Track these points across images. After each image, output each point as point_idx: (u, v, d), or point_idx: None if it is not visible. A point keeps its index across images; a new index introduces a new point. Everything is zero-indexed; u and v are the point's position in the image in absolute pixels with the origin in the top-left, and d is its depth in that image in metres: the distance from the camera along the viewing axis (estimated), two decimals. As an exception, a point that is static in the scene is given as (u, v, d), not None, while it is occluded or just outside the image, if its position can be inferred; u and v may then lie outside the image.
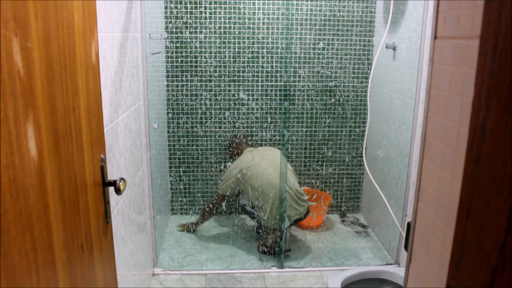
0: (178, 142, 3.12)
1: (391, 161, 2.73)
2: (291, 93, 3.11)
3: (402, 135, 2.56)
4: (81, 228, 0.94)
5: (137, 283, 2.03)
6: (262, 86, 3.06)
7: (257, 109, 3.09)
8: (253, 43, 2.97)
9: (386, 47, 2.71)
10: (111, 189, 1.13)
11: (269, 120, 3.12)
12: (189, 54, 2.97)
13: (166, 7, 2.88)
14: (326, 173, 3.27)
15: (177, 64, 2.99)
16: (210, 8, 2.90)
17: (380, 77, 2.94)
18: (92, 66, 1.03)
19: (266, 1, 2.92)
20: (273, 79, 3.06)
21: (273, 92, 3.08)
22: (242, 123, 3.11)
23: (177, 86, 3.02)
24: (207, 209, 2.89)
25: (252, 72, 3.02)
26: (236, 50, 2.98)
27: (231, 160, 2.99)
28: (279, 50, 3.00)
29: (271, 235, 2.70)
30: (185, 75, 3.00)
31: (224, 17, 2.92)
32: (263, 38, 2.97)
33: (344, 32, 3.02)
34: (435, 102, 0.73)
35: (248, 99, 3.07)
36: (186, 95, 3.04)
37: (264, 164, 2.68)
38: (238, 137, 3.01)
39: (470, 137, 0.58)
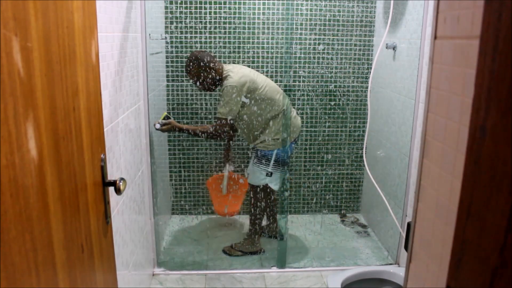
0: (178, 142, 3.12)
1: (391, 161, 2.73)
2: (291, 94, 3.11)
3: (402, 135, 2.56)
4: (81, 228, 0.94)
5: (137, 283, 2.03)
6: (262, 86, 3.05)
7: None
8: (253, 44, 2.97)
9: (386, 47, 2.71)
10: (111, 189, 1.13)
11: (269, 120, 3.11)
12: (189, 55, 2.96)
13: (166, 7, 2.88)
14: (327, 174, 3.27)
15: (177, 64, 2.99)
16: (210, 9, 2.90)
17: (380, 78, 2.94)
18: (92, 66, 1.03)
19: (266, 2, 2.92)
20: (273, 80, 3.06)
21: (273, 92, 3.07)
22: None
23: (177, 86, 3.02)
24: None
25: (252, 72, 3.02)
26: (236, 51, 2.98)
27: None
28: (279, 51, 3.00)
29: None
30: (185, 75, 2.99)
31: (224, 17, 2.92)
32: (263, 39, 2.97)
33: (344, 32, 3.02)
34: (435, 102, 0.73)
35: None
36: (186, 96, 3.04)
37: None
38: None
39: (470, 137, 0.58)
